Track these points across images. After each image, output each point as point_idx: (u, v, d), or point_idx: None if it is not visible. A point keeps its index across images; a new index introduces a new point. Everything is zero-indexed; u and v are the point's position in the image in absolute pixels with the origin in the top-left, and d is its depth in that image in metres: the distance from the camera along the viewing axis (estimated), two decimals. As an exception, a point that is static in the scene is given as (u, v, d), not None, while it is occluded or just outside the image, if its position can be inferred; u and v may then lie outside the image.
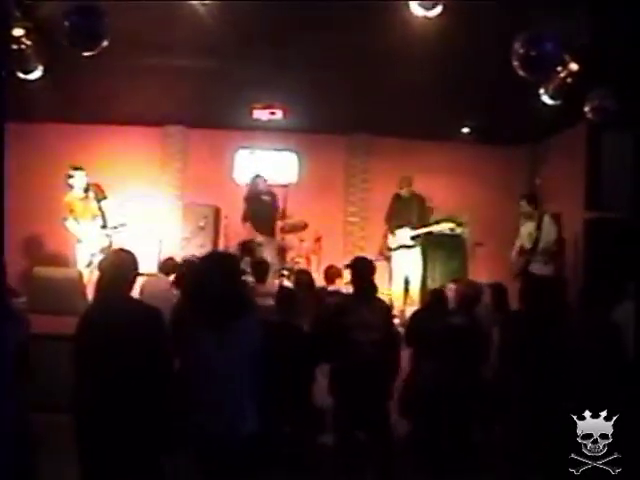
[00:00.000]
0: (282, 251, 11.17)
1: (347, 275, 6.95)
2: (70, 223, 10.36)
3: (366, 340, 5.86)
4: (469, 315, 6.65)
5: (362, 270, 6.24)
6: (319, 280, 9.00)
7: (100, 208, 10.41)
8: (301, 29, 8.12)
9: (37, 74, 8.39)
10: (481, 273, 10.31)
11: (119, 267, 4.52)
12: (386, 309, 6.42)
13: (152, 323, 4.34)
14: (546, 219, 9.84)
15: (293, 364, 5.85)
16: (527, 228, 9.96)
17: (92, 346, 4.24)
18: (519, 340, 5.82)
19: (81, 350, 4.35)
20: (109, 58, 7.85)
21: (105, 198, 10.49)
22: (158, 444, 4.22)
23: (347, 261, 6.76)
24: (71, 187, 10.41)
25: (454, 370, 6.33)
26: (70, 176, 10.38)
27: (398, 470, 6.00)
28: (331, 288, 8.03)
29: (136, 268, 4.66)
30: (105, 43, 7.34)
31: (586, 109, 8.77)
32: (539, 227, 9.73)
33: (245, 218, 11.02)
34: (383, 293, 8.55)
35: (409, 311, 9.72)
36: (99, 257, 10.13)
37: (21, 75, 8.35)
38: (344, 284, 8.08)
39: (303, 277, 7.96)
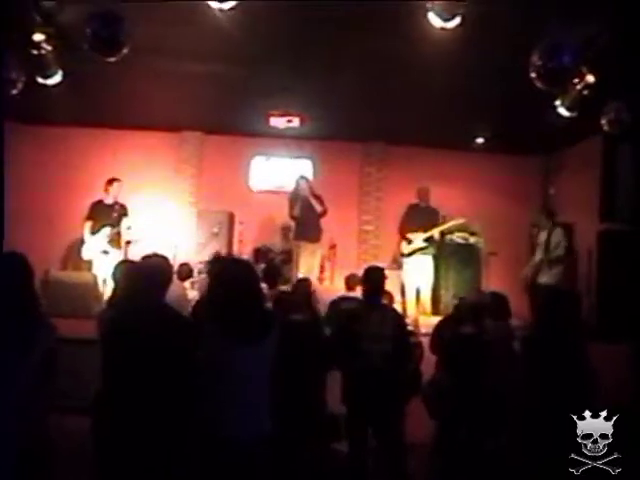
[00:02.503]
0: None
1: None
2: (87, 225, 10.56)
3: (376, 351, 5.88)
4: (478, 325, 6.64)
5: (373, 278, 6.26)
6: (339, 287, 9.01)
7: (119, 223, 10.65)
8: (318, 38, 8.15)
9: (56, 79, 8.42)
10: (494, 282, 10.30)
11: (154, 272, 4.48)
12: (397, 318, 6.42)
13: (184, 332, 4.27)
14: (557, 229, 9.88)
15: (308, 366, 5.92)
16: (540, 238, 9.99)
17: (120, 351, 4.21)
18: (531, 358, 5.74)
19: (109, 353, 4.33)
20: (128, 63, 7.88)
21: (126, 215, 10.66)
22: (173, 453, 4.15)
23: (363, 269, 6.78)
24: (107, 193, 10.67)
25: (464, 379, 6.33)
26: (110, 183, 10.69)
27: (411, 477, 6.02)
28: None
29: (171, 273, 4.64)
30: (126, 50, 7.40)
31: (602, 121, 8.77)
32: (549, 236, 9.77)
33: (292, 217, 11.06)
34: (397, 302, 8.55)
35: (422, 320, 9.76)
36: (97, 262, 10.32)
37: (40, 80, 8.39)
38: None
39: (301, 284, 7.92)
